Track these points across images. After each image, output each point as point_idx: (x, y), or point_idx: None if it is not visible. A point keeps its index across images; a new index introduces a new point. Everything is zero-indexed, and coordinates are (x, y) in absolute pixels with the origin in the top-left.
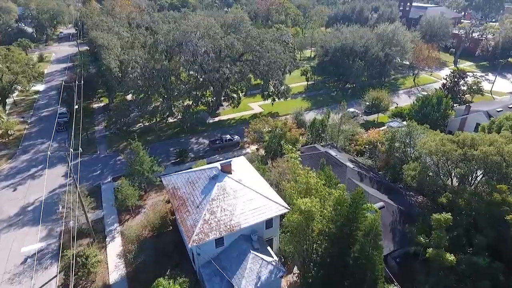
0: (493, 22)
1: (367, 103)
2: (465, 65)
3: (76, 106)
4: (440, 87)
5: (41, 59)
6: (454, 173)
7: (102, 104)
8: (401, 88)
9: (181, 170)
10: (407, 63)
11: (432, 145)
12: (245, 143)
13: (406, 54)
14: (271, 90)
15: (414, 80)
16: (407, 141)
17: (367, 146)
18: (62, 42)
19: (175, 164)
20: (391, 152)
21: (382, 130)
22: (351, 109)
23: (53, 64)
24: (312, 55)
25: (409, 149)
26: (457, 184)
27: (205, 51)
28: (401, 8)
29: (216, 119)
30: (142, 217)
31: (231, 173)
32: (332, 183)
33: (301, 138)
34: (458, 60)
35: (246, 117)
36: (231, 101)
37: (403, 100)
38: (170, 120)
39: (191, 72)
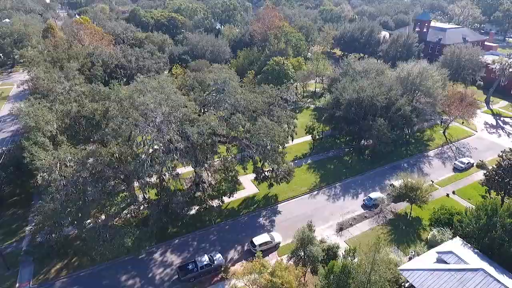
0: None
1: (397, 186)
2: (499, 105)
3: None
4: (493, 168)
5: None
6: None
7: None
8: (430, 147)
9: None
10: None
11: None
12: (230, 266)
13: (437, 105)
14: (267, 170)
15: (444, 132)
16: None
17: None
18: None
19: None
20: None
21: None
22: (373, 195)
23: (9, 103)
24: (318, 89)
25: None
26: None
27: (169, 140)
28: (417, 29)
29: (193, 210)
30: None
31: None
32: None
33: None
34: (491, 99)
35: (235, 206)
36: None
37: (437, 169)
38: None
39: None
